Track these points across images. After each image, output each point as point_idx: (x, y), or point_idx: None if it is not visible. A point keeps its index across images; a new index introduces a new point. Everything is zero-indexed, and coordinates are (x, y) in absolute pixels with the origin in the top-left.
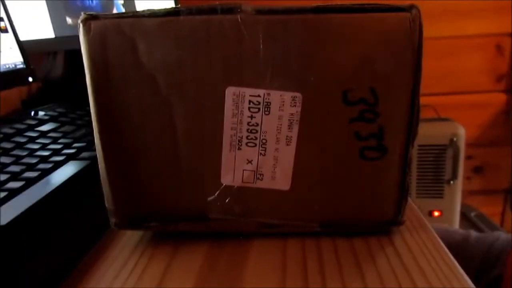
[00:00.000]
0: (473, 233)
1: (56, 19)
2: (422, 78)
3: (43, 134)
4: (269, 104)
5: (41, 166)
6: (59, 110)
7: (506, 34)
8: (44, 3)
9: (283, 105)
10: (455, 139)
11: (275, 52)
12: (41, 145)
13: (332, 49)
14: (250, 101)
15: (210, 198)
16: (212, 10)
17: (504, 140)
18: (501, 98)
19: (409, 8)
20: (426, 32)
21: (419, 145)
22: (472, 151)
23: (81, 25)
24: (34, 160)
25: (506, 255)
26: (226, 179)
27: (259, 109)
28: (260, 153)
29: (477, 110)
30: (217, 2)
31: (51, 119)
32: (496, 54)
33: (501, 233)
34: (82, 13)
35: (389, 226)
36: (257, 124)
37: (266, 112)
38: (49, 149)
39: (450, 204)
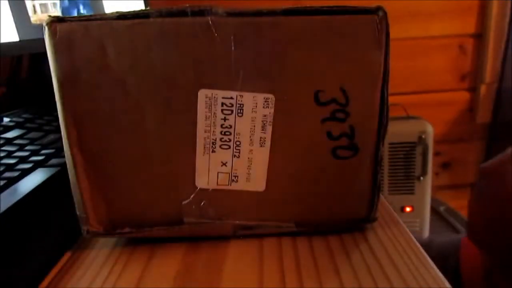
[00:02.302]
0: (436, 240)
1: (20, 21)
2: (390, 78)
3: (9, 141)
4: (242, 106)
5: (7, 174)
6: (25, 116)
7: (469, 35)
8: (7, 3)
9: (256, 106)
10: (423, 136)
11: (246, 54)
12: (6, 152)
13: (303, 51)
14: (223, 103)
15: (185, 202)
16: (182, 13)
17: (470, 136)
18: (465, 96)
19: (376, 10)
20: (393, 33)
21: (390, 143)
22: (440, 147)
23: (46, 28)
24: None
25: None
26: (201, 182)
27: (232, 111)
28: (234, 155)
29: (443, 108)
30: (187, 4)
31: (17, 125)
32: (459, 54)
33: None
34: (48, 16)
35: (363, 223)
36: (231, 126)
37: (239, 114)
38: (15, 157)
39: (421, 200)
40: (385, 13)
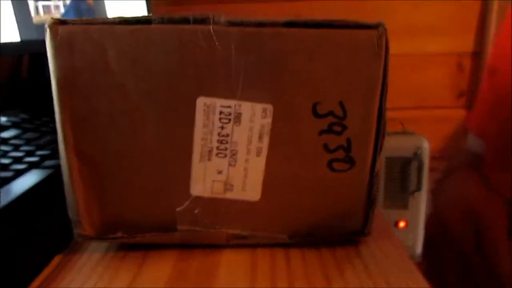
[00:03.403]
0: None
1: (22, 22)
2: (388, 92)
3: (4, 141)
4: (240, 115)
5: (1, 174)
6: (23, 116)
7: (467, 53)
8: (10, 3)
9: (254, 116)
10: (419, 151)
11: (247, 64)
12: (1, 152)
13: (303, 63)
14: (221, 112)
15: (179, 209)
16: (184, 20)
17: None
18: (462, 113)
19: (376, 25)
20: (391, 49)
21: (386, 157)
22: (435, 163)
23: (48, 29)
24: None
25: None
26: (196, 190)
27: (229, 120)
28: (230, 164)
29: (440, 124)
30: (190, 13)
31: (13, 125)
32: (457, 71)
33: None
34: (50, 18)
35: (357, 236)
36: (228, 135)
37: (237, 123)
38: (10, 157)
39: (415, 215)
40: (385, 29)
